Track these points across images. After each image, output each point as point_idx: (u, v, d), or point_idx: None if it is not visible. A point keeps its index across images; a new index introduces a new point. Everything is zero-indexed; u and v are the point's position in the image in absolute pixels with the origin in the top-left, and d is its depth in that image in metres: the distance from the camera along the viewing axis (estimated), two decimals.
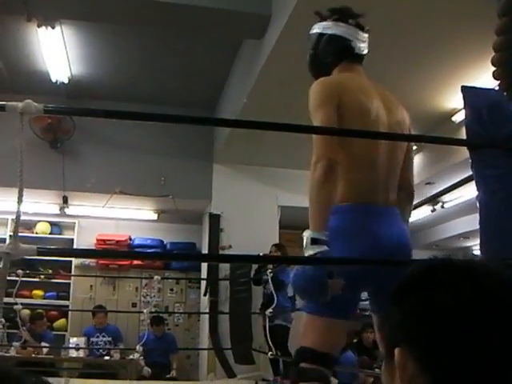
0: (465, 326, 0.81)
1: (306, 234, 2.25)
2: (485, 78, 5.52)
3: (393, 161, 2.55)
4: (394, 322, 0.90)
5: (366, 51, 2.70)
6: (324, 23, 2.69)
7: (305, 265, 2.49)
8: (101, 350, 8.21)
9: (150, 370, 7.80)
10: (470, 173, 2.75)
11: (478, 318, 0.81)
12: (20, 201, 1.92)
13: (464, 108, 2.43)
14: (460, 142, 3.24)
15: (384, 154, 2.49)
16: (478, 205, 2.36)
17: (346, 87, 2.51)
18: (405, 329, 0.87)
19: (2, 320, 6.30)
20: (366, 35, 2.69)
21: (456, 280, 0.86)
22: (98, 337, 8.32)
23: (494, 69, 2.69)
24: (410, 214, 2.73)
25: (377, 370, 6.65)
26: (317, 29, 2.72)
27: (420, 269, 0.94)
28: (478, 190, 2.37)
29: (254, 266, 7.98)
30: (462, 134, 2.51)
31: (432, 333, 0.83)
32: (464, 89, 2.41)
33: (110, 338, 8.34)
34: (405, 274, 0.95)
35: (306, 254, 2.24)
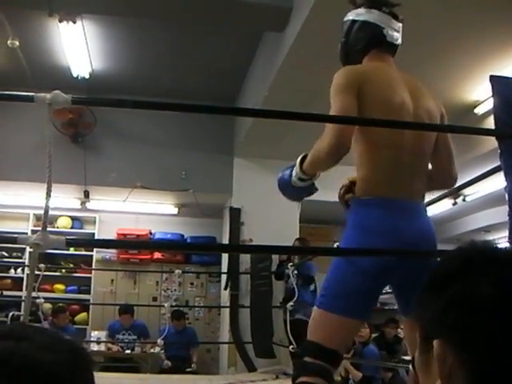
0: (509, 318, 0.78)
1: (299, 172, 2.60)
2: (508, 69, 5.48)
3: (418, 150, 2.51)
4: (433, 312, 0.86)
5: (399, 41, 2.67)
6: (357, 10, 2.66)
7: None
8: (124, 347, 8.25)
9: (169, 363, 7.84)
10: (493, 166, 2.72)
11: None
12: (49, 193, 1.93)
13: (492, 97, 2.40)
14: (489, 132, 3.21)
15: (408, 144, 2.46)
16: (506, 196, 2.33)
17: (369, 77, 2.49)
18: (445, 320, 0.83)
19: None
20: (400, 24, 2.66)
21: (498, 270, 0.83)
22: (123, 334, 8.34)
23: None
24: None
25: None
26: (350, 16, 2.69)
27: (459, 257, 0.90)
28: (506, 180, 2.34)
29: (276, 261, 7.98)
30: (485, 126, 2.49)
31: (475, 324, 0.80)
32: (492, 78, 2.39)
33: (135, 337, 8.35)
34: (442, 260, 0.93)
35: (294, 183, 2.65)
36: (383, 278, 2.40)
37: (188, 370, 8.05)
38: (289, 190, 2.72)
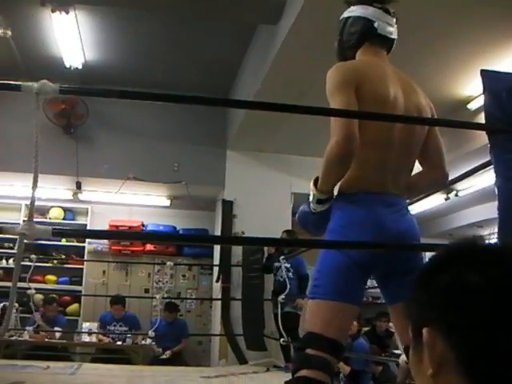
0: (493, 303, 0.81)
1: (316, 194, 2.47)
2: (502, 64, 5.47)
3: (406, 149, 2.53)
4: (422, 301, 0.90)
5: (393, 35, 2.69)
6: (351, 8, 2.72)
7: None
8: (116, 338, 8.23)
9: (161, 350, 7.83)
10: (485, 160, 2.72)
11: (505, 296, 0.81)
12: (35, 183, 1.92)
13: (483, 92, 2.39)
14: (479, 127, 3.21)
15: (396, 142, 2.48)
16: (496, 190, 2.33)
17: (365, 74, 2.49)
18: (433, 307, 0.87)
19: (16, 304, 6.34)
20: (394, 19, 2.69)
21: (484, 260, 0.87)
22: (114, 325, 8.31)
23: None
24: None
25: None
26: (344, 14, 2.75)
27: (448, 250, 0.95)
28: (496, 175, 2.34)
29: (266, 254, 7.97)
30: (478, 122, 2.48)
31: (461, 309, 0.83)
32: (483, 72, 2.37)
33: (126, 328, 8.32)
34: (430, 258, 0.96)
35: (314, 210, 2.51)
36: (369, 266, 2.43)
37: (162, 357, 7.98)
38: (310, 219, 2.59)
